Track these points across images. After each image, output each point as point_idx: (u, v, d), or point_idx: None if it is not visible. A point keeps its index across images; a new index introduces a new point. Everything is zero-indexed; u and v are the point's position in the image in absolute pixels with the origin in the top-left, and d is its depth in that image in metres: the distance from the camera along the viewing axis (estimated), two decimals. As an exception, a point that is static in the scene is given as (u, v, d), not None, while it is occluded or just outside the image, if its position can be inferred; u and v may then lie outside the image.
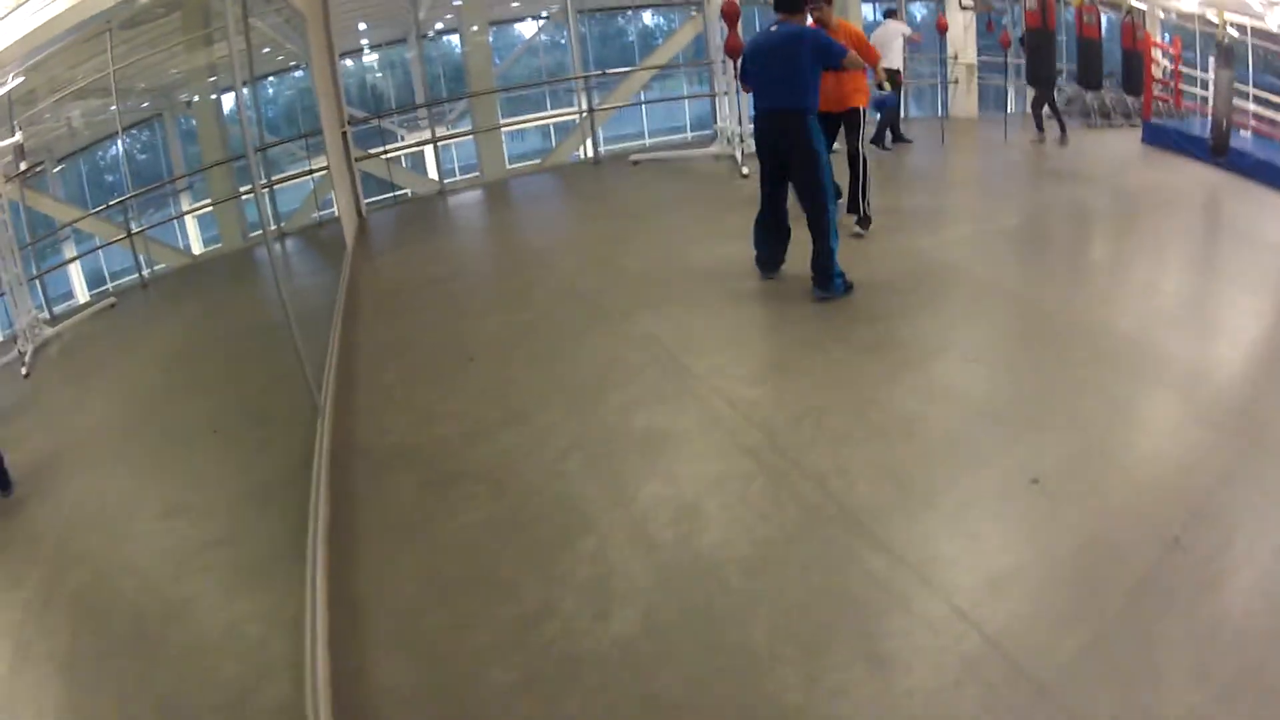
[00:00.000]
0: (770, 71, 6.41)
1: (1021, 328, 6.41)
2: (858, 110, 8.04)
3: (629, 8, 23.71)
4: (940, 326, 6.18)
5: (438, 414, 5.14)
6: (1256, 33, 21.75)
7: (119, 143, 6.27)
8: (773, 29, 6.50)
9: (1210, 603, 3.57)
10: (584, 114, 14.08)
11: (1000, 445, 4.55)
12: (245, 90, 6.74)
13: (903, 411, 4.87)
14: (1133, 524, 3.93)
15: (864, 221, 8.14)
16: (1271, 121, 16.78)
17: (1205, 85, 17.59)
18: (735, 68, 8.27)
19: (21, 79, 5.18)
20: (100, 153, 6.19)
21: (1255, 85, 18.30)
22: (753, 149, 7.13)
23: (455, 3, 17.42)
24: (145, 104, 6.93)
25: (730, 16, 9.93)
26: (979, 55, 17.07)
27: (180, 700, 3.05)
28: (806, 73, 6.34)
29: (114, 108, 6.16)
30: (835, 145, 8.14)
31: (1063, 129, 13.57)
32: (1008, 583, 3.52)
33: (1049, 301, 6.85)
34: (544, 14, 21.80)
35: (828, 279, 6.44)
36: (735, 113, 11.14)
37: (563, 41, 22.03)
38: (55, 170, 5.81)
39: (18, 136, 5.20)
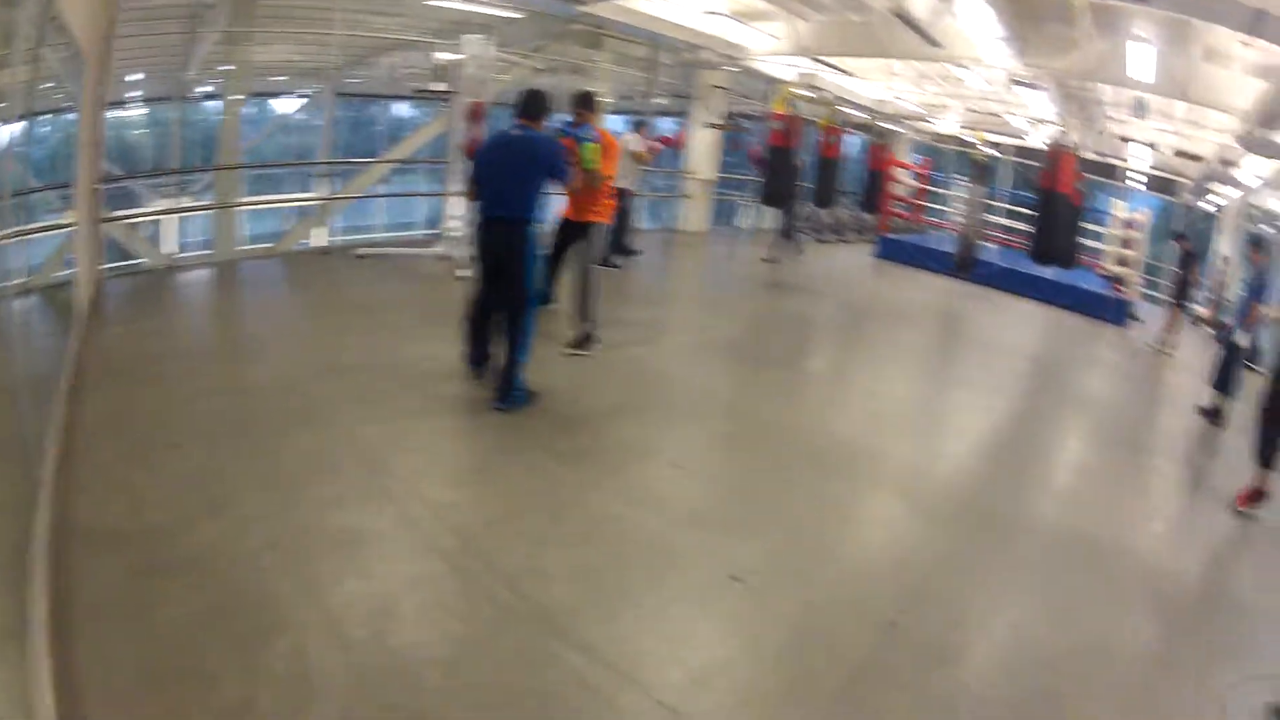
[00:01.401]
0: (499, 179, 6.54)
1: (733, 433, 6.89)
2: (597, 225, 8.25)
3: (381, 97, 23.72)
4: (648, 433, 6.54)
5: (150, 499, 4.97)
6: (1012, 150, 23.87)
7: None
8: (512, 133, 6.66)
9: (941, 679, 3.99)
10: (319, 201, 13.89)
11: (705, 546, 4.87)
12: (17, 125, 6.35)
13: (603, 515, 5.12)
14: (847, 612, 4.36)
15: (586, 341, 8.31)
16: (1014, 231, 18.35)
17: (949, 202, 19.05)
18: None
19: None
20: None
21: (1002, 200, 19.99)
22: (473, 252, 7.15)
23: (225, 66, 16.98)
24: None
25: (473, 117, 10.09)
26: (721, 171, 17.80)
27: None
28: (535, 184, 6.53)
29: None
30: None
31: (797, 245, 14.32)
32: (715, 676, 3.79)
33: (764, 408, 7.42)
34: (307, 93, 21.46)
35: (508, 390, 6.59)
36: (460, 214, 11.24)
37: (319, 123, 21.77)
38: None
39: None
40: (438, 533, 4.72)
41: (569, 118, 8.07)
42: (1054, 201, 12.58)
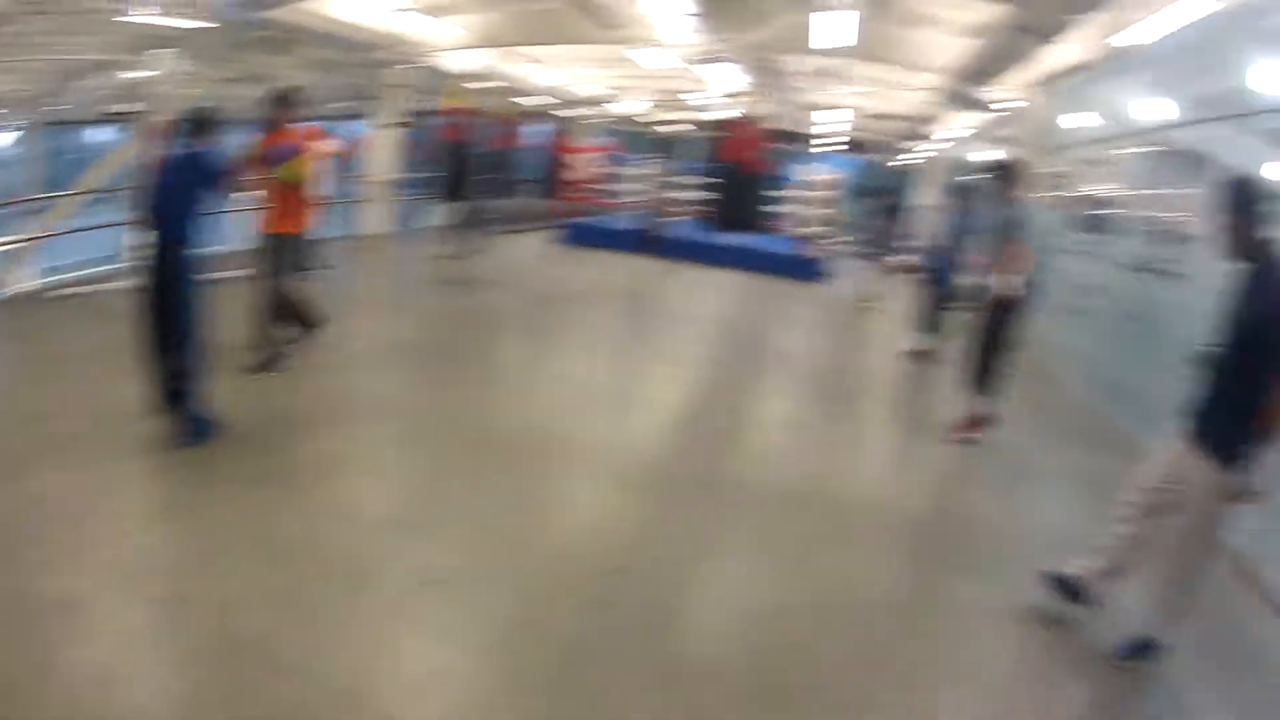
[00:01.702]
0: (162, 201, 6.28)
1: (424, 434, 6.90)
2: (288, 236, 7.92)
3: (84, 123, 22.58)
4: (339, 447, 6.50)
5: None
6: (704, 124, 24.69)
7: None
8: (179, 152, 6.44)
9: (661, 649, 4.15)
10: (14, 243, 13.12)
11: (404, 552, 4.92)
12: None
13: (298, 535, 5.09)
14: (555, 597, 4.45)
15: (273, 361, 8.03)
16: (693, 204, 19.00)
17: (636, 181, 19.53)
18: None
19: None
20: None
21: (693, 174, 20.65)
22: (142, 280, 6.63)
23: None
24: None
25: (157, 136, 9.70)
26: (405, 172, 17.85)
27: None
28: (193, 204, 6.31)
29: None
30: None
31: (480, 240, 14.56)
32: (431, 680, 3.88)
33: (455, 406, 7.47)
34: (21, 125, 20.11)
35: (192, 422, 6.36)
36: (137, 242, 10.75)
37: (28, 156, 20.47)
38: None
39: None
40: (140, 581, 4.59)
41: (265, 121, 7.81)
42: (735, 172, 12.97)
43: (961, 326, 8.45)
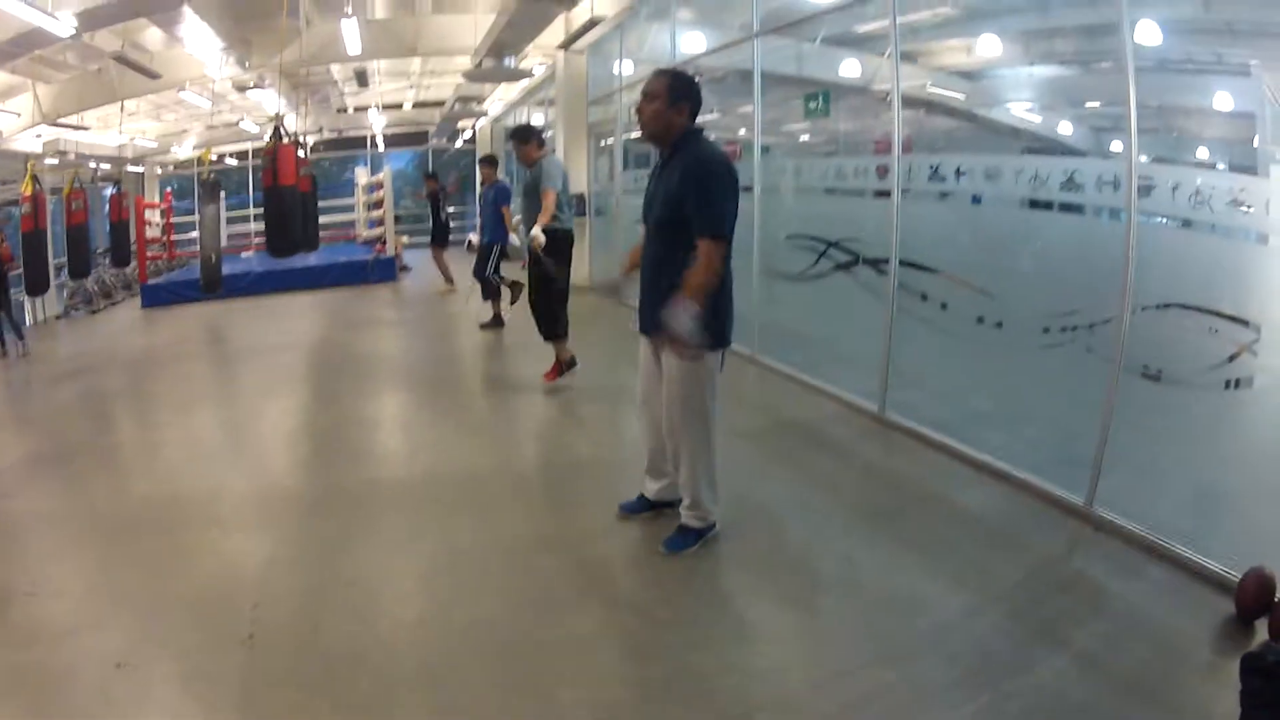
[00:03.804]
0: None
1: (79, 535, 5.83)
2: None
3: None
4: None
5: None
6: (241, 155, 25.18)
7: None
8: None
9: (313, 664, 3.95)
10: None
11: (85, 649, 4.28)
12: None
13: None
14: (212, 649, 4.14)
15: None
16: (256, 235, 18.86)
17: (196, 228, 19.06)
18: None
19: None
20: None
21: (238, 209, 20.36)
22: None
23: None
24: None
25: None
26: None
27: None
28: None
29: None
30: None
31: (20, 337, 13.02)
32: None
33: (90, 496, 6.48)
34: None
35: None
36: None
37: None
38: None
39: None
40: None
41: None
42: (280, 194, 12.72)
43: (523, 284, 8.99)
